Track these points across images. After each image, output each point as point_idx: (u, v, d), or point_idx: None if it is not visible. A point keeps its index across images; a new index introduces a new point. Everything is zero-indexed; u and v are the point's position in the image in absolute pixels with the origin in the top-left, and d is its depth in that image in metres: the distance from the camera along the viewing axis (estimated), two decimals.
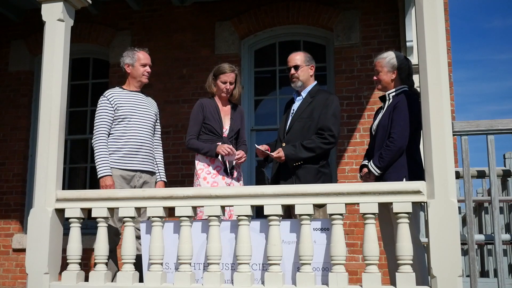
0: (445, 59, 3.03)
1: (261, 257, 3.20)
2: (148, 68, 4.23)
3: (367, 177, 3.62)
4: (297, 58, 4.08)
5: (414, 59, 5.28)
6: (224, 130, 4.20)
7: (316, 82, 4.15)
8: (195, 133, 4.18)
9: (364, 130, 5.72)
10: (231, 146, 4.08)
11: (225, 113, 4.26)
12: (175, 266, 3.32)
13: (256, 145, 4.11)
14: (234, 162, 4.11)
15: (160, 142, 4.38)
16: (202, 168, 4.09)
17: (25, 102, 6.64)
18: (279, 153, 3.90)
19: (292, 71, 4.05)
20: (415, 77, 3.67)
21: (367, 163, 3.73)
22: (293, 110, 4.07)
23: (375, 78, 3.76)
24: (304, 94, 4.07)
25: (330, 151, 4.04)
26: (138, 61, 4.20)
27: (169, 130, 6.06)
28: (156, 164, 4.30)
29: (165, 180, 4.34)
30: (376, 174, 3.50)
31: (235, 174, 4.15)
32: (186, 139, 4.20)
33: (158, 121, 4.38)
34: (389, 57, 3.70)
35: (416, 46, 3.15)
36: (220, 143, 4.10)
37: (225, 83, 4.19)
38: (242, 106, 6.13)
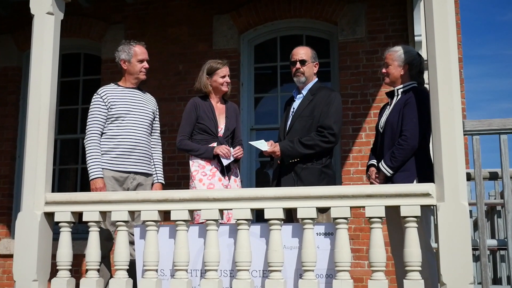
0: (455, 54, 3.03)
1: (261, 263, 3.21)
2: (145, 64, 4.22)
3: (377, 176, 3.63)
4: (303, 52, 4.10)
5: (423, 54, 5.27)
6: (219, 130, 4.21)
7: (317, 79, 4.16)
8: (187, 134, 4.19)
9: (370, 130, 5.72)
10: (228, 147, 4.10)
11: (220, 111, 4.28)
12: (170, 272, 3.32)
13: (249, 142, 4.13)
14: (231, 159, 4.12)
15: (159, 141, 4.38)
16: (197, 169, 4.10)
17: (13, 99, 6.64)
18: (274, 147, 3.91)
19: (298, 65, 4.07)
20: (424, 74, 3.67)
21: (375, 163, 3.73)
22: (293, 108, 4.09)
23: (383, 71, 3.77)
24: (304, 91, 4.09)
25: (333, 151, 4.05)
26: (135, 57, 4.18)
27: (164, 129, 6.04)
28: (154, 164, 4.29)
29: (163, 182, 4.34)
30: (388, 174, 3.51)
31: (232, 173, 4.17)
32: (177, 140, 4.20)
33: (156, 119, 4.37)
34: (401, 50, 3.71)
35: (425, 41, 3.15)
36: (215, 144, 4.11)
37: (224, 77, 4.22)
38: (241, 103, 6.14)
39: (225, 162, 4.07)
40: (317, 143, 3.85)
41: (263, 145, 4.01)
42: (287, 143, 3.90)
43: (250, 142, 4.30)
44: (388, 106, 3.76)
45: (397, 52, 3.71)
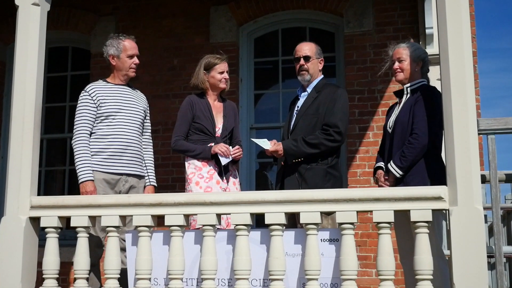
0: (469, 48, 3.03)
1: (261, 271, 3.20)
2: (136, 60, 4.22)
3: (386, 179, 3.63)
4: (308, 48, 4.12)
5: (434, 48, 5.28)
6: (216, 130, 4.21)
7: (323, 75, 4.17)
8: (182, 134, 4.19)
9: (378, 129, 5.72)
10: (227, 145, 4.10)
11: (217, 110, 4.28)
12: (164, 281, 3.32)
13: (251, 139, 4.13)
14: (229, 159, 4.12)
15: (150, 141, 4.38)
16: (193, 172, 4.10)
17: None
18: (277, 146, 3.92)
19: (302, 61, 4.08)
20: (435, 69, 3.69)
21: (382, 165, 3.73)
22: (298, 107, 4.11)
23: (396, 66, 3.77)
24: (309, 89, 4.11)
25: (340, 150, 4.06)
26: (124, 52, 4.17)
27: (158, 128, 6.06)
28: (145, 166, 4.30)
29: (155, 184, 4.34)
30: (398, 175, 3.51)
31: (231, 174, 4.17)
32: (172, 140, 4.20)
33: (147, 118, 4.38)
34: (414, 46, 3.76)
35: (437, 34, 3.15)
36: (213, 144, 4.12)
37: (222, 73, 4.22)
38: (240, 101, 6.15)
39: (223, 161, 4.07)
40: (322, 141, 3.86)
41: (265, 143, 4.02)
42: (291, 141, 3.92)
43: (252, 139, 4.31)
44: (397, 106, 3.77)
45: (412, 48, 3.74)
